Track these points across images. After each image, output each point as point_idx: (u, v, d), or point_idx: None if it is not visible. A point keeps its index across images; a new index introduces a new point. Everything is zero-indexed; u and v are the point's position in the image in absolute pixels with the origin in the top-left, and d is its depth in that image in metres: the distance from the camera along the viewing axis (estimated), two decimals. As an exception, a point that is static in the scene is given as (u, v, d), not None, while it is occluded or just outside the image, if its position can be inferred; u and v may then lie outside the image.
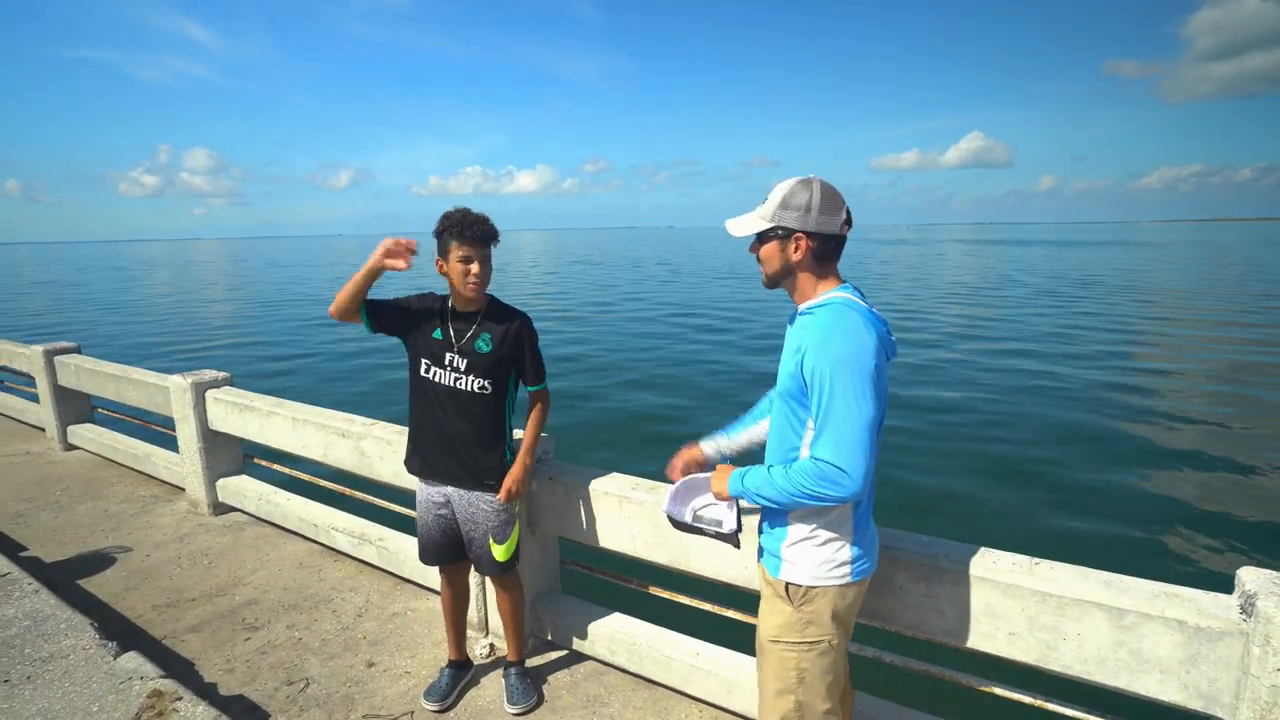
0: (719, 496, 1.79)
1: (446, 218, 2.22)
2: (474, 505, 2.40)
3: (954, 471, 6.89)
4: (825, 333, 1.55)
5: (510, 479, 2.40)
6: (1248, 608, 1.55)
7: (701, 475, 1.91)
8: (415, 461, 2.44)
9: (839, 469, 1.48)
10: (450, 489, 2.41)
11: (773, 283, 1.71)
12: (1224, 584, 1.71)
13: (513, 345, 2.37)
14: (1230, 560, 5.14)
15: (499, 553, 2.42)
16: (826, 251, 1.64)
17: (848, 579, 1.66)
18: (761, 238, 1.68)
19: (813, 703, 1.68)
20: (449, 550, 2.48)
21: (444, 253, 2.24)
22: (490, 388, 2.34)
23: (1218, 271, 35.07)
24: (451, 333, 2.32)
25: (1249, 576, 1.60)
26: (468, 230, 2.19)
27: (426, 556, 2.51)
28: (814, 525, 1.66)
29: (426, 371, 2.34)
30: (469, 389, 2.33)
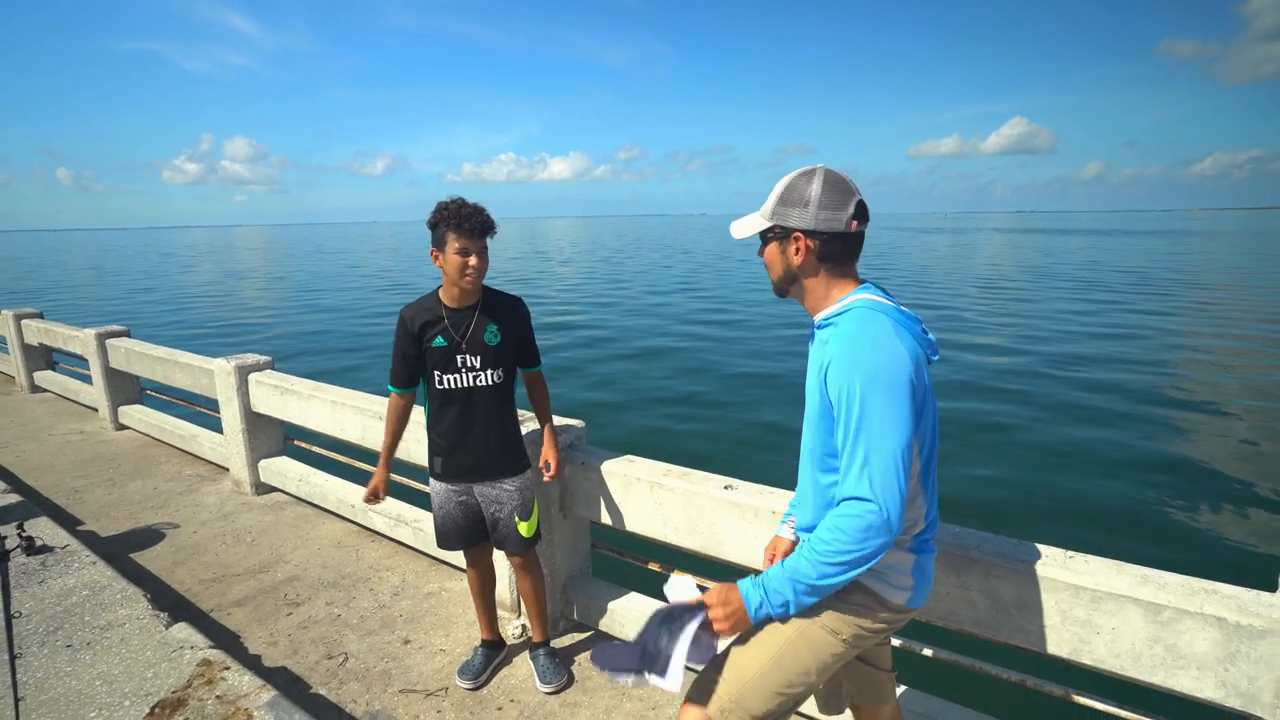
0: (735, 628, 1.37)
1: (442, 209, 2.16)
2: (497, 489, 2.44)
3: (986, 463, 6.79)
4: (850, 342, 1.34)
5: (552, 457, 2.54)
6: (1291, 606, 1.52)
7: (681, 602, 1.42)
8: (441, 467, 2.43)
9: (870, 504, 1.27)
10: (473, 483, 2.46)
11: (780, 290, 1.52)
12: (1266, 583, 1.67)
13: (517, 332, 2.40)
14: (1272, 559, 5.00)
15: (524, 529, 2.47)
16: (834, 252, 1.42)
17: (900, 602, 1.45)
18: (764, 239, 1.49)
19: (774, 681, 1.42)
20: (471, 533, 2.52)
21: (439, 244, 2.18)
22: (503, 376, 2.38)
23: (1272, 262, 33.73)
24: (454, 332, 2.30)
25: (1293, 574, 1.57)
26: (465, 222, 2.13)
27: (449, 542, 2.53)
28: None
29: (440, 382, 2.33)
30: (488, 383, 2.35)
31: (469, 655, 2.70)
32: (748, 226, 1.50)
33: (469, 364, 2.32)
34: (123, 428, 5.92)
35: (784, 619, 1.39)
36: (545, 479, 2.57)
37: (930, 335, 1.44)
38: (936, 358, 1.44)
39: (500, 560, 2.89)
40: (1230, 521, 5.64)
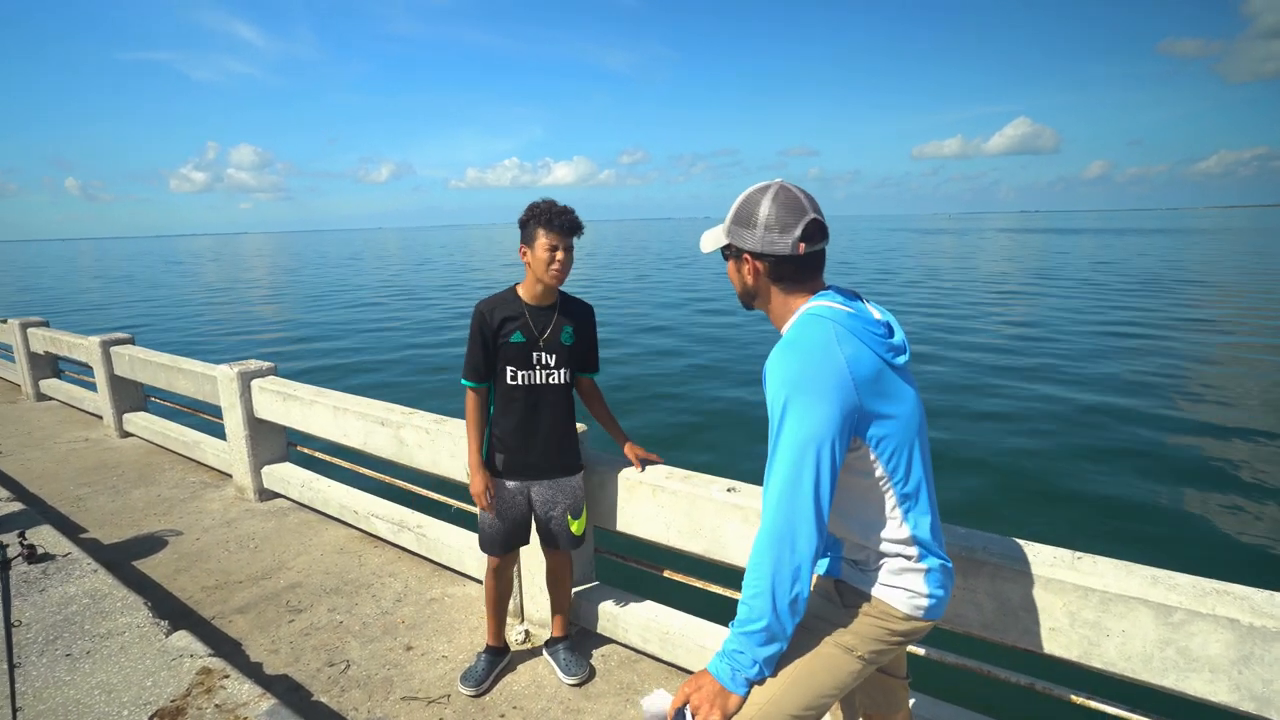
0: (723, 708, 1.30)
1: (534, 207, 2.26)
2: (556, 488, 2.48)
3: (993, 461, 6.74)
4: (779, 354, 1.30)
5: (643, 453, 2.63)
6: (1306, 607, 1.49)
7: (656, 704, 1.43)
8: (503, 464, 2.43)
9: (779, 524, 1.21)
10: (532, 481, 2.47)
11: (744, 304, 1.49)
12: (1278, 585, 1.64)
13: (588, 335, 2.48)
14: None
15: (575, 527, 2.51)
16: (785, 274, 1.38)
17: (918, 614, 1.38)
18: (724, 255, 1.47)
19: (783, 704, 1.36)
20: (517, 536, 2.53)
21: (529, 241, 2.26)
22: (569, 377, 2.44)
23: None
24: (534, 329, 2.35)
25: (1307, 575, 1.53)
26: (556, 219, 2.23)
27: (494, 546, 2.50)
28: (874, 550, 1.39)
29: (514, 379, 2.36)
30: (560, 381, 2.41)
31: (472, 661, 2.67)
32: (711, 241, 1.49)
33: (544, 361, 2.37)
34: (127, 435, 5.92)
35: (761, 679, 1.32)
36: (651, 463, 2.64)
37: (895, 338, 1.37)
38: (901, 360, 1.36)
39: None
40: (1244, 521, 5.57)
